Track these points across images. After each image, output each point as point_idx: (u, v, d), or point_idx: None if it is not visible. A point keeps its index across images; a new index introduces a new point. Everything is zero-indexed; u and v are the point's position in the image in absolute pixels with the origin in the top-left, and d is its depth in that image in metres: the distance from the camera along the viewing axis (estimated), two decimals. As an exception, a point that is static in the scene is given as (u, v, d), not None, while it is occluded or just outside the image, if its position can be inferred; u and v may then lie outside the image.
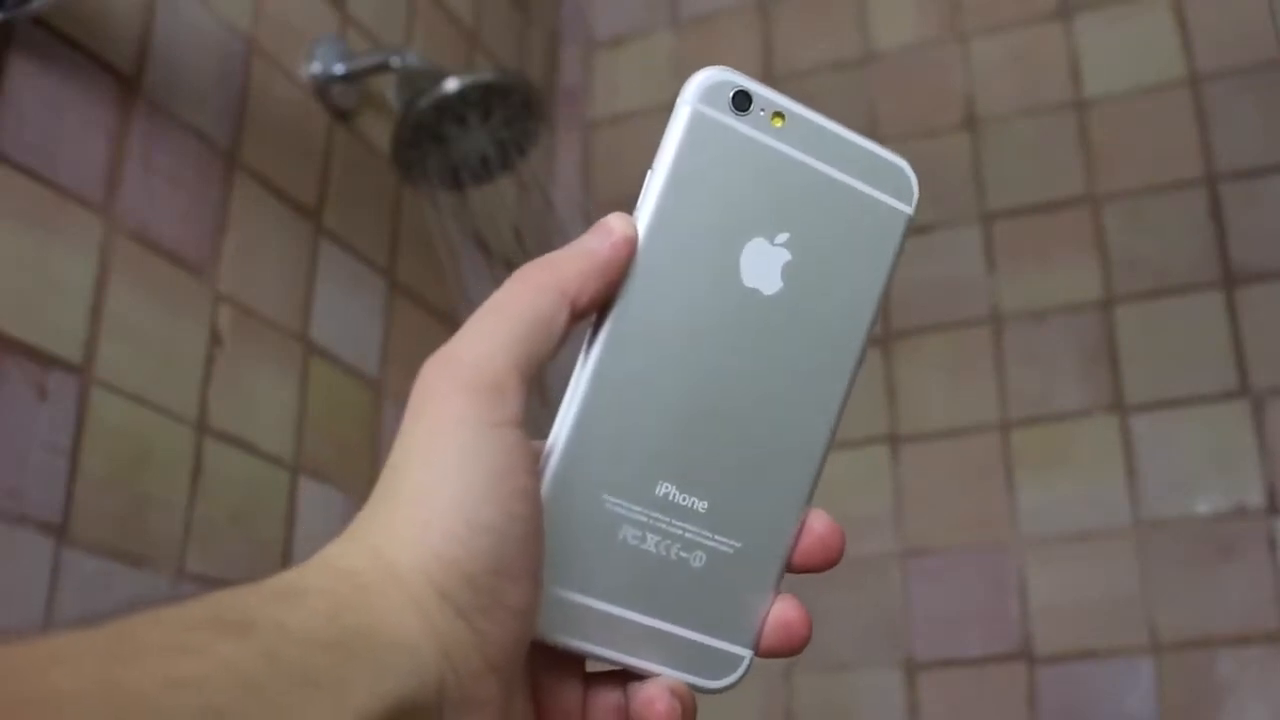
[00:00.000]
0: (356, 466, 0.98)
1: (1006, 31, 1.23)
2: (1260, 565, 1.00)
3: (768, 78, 1.28)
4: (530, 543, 0.30)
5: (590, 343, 0.34)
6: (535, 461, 0.32)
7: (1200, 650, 1.00)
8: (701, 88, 0.35)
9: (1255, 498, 1.02)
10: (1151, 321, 1.09)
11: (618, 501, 0.33)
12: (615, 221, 0.34)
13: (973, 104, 1.21)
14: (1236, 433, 1.03)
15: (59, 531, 0.72)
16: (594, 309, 0.33)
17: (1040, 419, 1.10)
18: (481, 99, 1.00)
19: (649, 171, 0.34)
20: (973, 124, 1.21)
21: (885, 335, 1.16)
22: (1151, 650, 1.01)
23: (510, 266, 1.14)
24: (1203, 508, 1.03)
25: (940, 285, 1.17)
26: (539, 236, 1.16)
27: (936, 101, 1.23)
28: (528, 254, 1.13)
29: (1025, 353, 1.12)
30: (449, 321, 1.12)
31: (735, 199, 0.35)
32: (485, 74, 1.02)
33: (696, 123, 0.34)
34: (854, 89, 1.26)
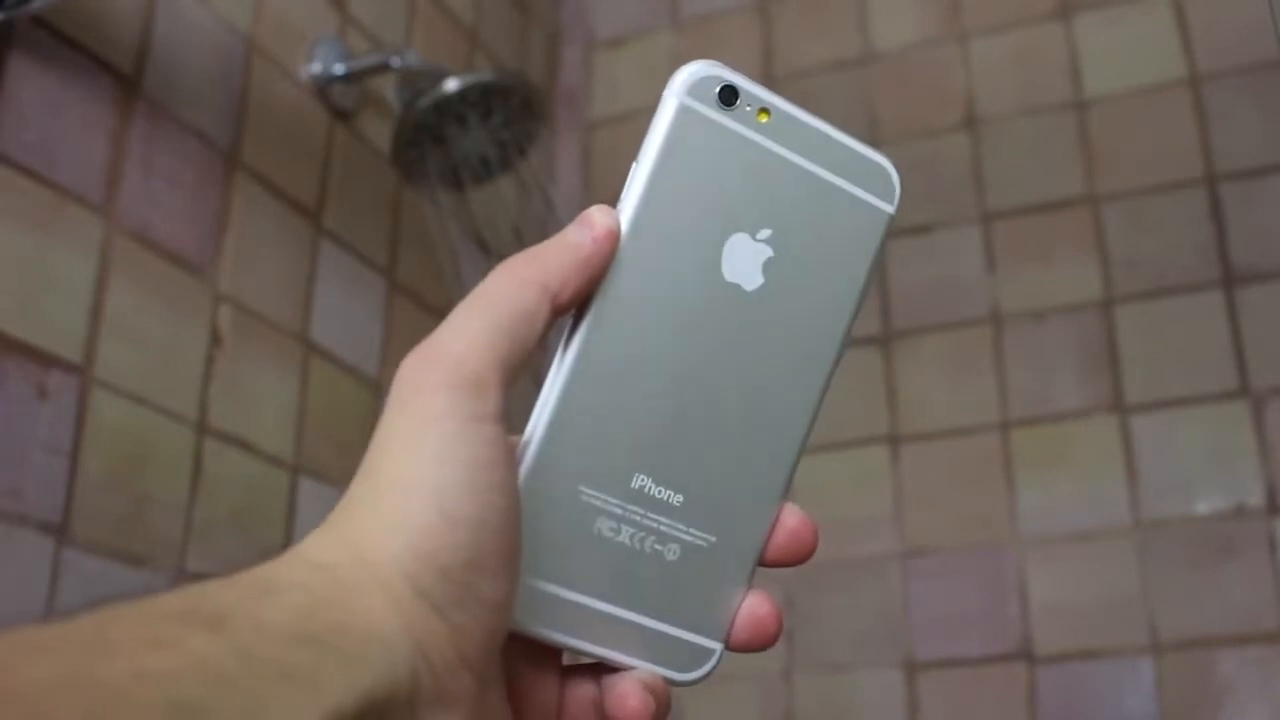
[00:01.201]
0: (356, 466, 0.98)
1: (1006, 31, 1.23)
2: (1260, 565, 1.00)
3: (768, 77, 1.28)
4: (507, 537, 0.30)
5: (570, 335, 0.34)
6: (514, 456, 0.32)
7: (1200, 650, 1.00)
8: (688, 81, 0.34)
9: (1255, 498, 1.02)
10: (1151, 321, 1.09)
11: (593, 493, 0.34)
12: (597, 215, 0.34)
13: (973, 104, 1.21)
14: (1236, 433, 1.03)
15: (59, 531, 0.72)
16: (576, 303, 0.33)
17: (1040, 419, 1.10)
18: (481, 99, 1.00)
19: (634, 164, 0.34)
20: (973, 124, 1.21)
21: (885, 335, 1.17)
22: (1151, 650, 1.01)
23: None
24: (1203, 508, 1.03)
25: (940, 285, 1.17)
26: (539, 236, 1.15)
27: (936, 101, 1.23)
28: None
29: (1025, 353, 1.12)
30: (449, 321, 1.11)
31: (719, 194, 0.35)
32: (485, 74, 1.02)
33: (682, 116, 0.34)
34: (854, 89, 1.26)
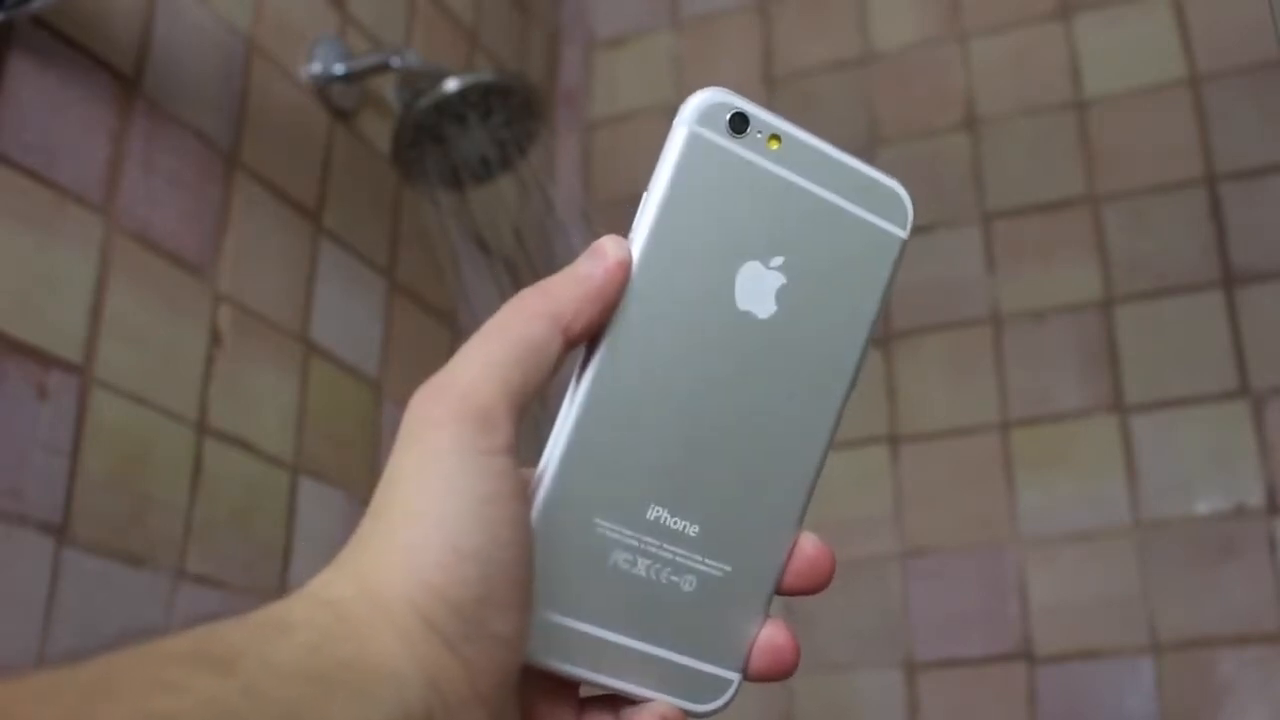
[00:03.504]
0: (356, 466, 0.98)
1: (1006, 31, 1.23)
2: (1260, 565, 1.00)
3: (768, 78, 1.28)
4: (518, 570, 0.30)
5: (583, 366, 0.34)
6: (525, 489, 0.32)
7: (1200, 650, 1.00)
8: (699, 109, 0.34)
9: (1255, 498, 1.02)
10: (1151, 321, 1.09)
11: (609, 525, 0.33)
12: (609, 245, 0.33)
13: (973, 104, 1.21)
14: (1236, 433, 1.03)
15: (59, 531, 0.72)
16: (588, 334, 0.33)
17: (1040, 419, 1.10)
18: (481, 99, 1.00)
19: (645, 193, 0.34)
20: (973, 124, 1.21)
21: (885, 335, 1.17)
22: (1151, 650, 1.01)
23: (510, 266, 1.15)
24: (1203, 508, 1.03)
25: (940, 285, 1.17)
26: (539, 236, 1.16)
27: (936, 101, 1.23)
28: (528, 254, 1.13)
29: (1025, 353, 1.12)
30: (449, 321, 1.11)
31: (731, 222, 0.34)
32: (485, 74, 1.02)
33: (693, 144, 0.34)
34: (854, 89, 1.25)
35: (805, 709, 1.09)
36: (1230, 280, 1.07)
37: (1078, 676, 1.02)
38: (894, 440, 1.14)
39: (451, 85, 0.98)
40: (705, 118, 0.34)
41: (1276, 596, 0.99)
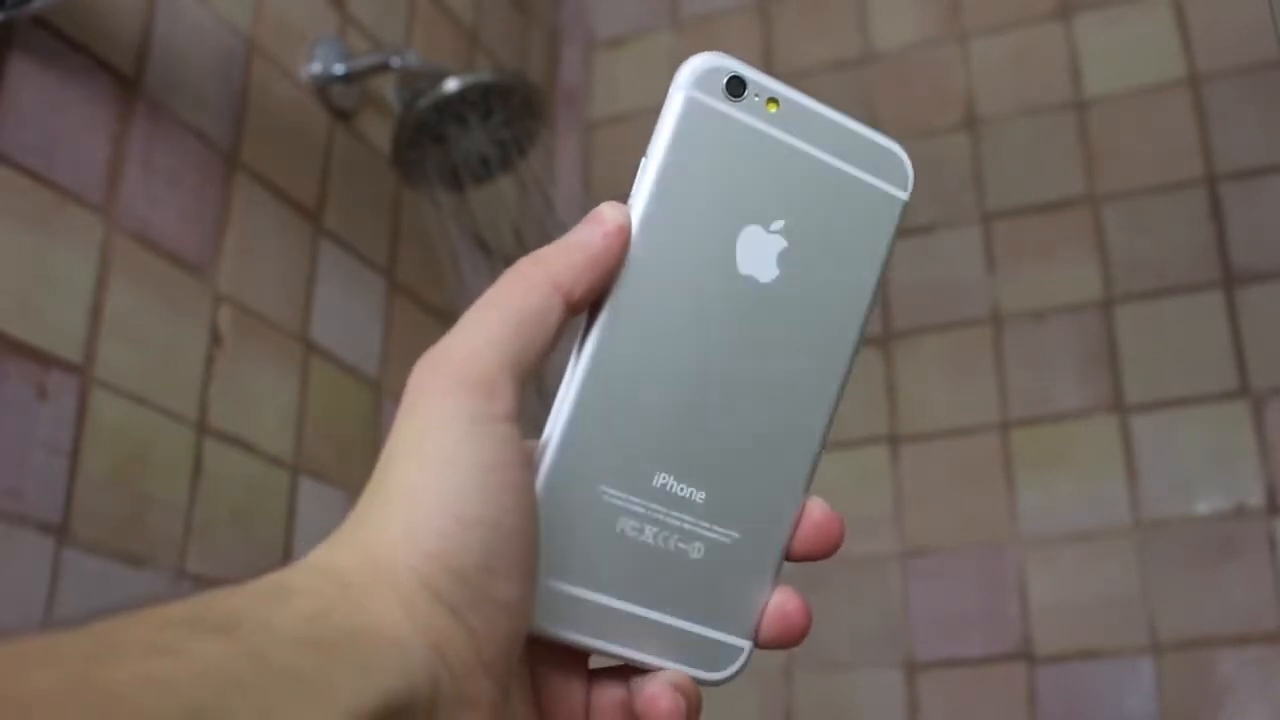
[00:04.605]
0: (356, 466, 0.98)
1: (1006, 31, 1.23)
2: (1260, 565, 1.00)
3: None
4: (522, 538, 0.30)
5: (585, 334, 0.33)
6: (528, 457, 0.32)
7: (1200, 650, 1.00)
8: (695, 73, 0.34)
9: (1255, 498, 1.02)
10: (1151, 321, 1.09)
11: (615, 493, 0.33)
12: (608, 211, 0.33)
13: (973, 104, 1.21)
14: (1236, 433, 1.03)
15: (59, 531, 0.72)
16: (589, 301, 0.33)
17: (1040, 419, 1.10)
18: (481, 99, 1.00)
19: (642, 159, 0.34)
20: (973, 124, 1.21)
21: (885, 335, 1.17)
22: (1151, 650, 1.01)
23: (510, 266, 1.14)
24: (1203, 508, 1.03)
25: (940, 285, 1.17)
26: (539, 236, 1.16)
27: (936, 101, 1.23)
28: (528, 254, 1.13)
29: (1025, 353, 1.12)
30: (449, 321, 1.11)
31: (730, 186, 0.34)
32: (485, 74, 1.02)
33: (690, 109, 0.34)
34: (854, 89, 1.26)
35: (805, 708, 1.09)
36: (1230, 280, 1.07)
37: (1078, 676, 1.02)
38: (894, 440, 1.14)
39: (451, 85, 0.98)
40: (702, 82, 0.34)
41: (1276, 596, 0.99)
